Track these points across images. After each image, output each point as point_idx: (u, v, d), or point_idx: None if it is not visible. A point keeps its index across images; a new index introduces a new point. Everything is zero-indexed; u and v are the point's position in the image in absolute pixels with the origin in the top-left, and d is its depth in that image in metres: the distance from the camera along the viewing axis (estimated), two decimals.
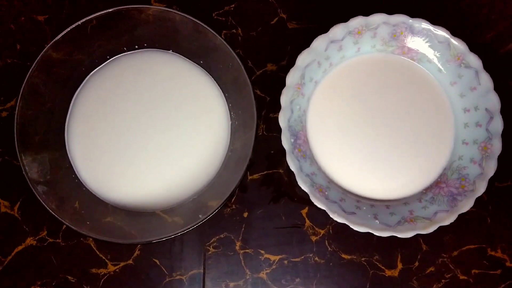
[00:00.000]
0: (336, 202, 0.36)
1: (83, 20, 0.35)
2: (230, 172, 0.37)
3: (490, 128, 0.36)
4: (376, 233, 0.34)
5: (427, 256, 0.40)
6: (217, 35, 0.35)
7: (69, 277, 0.39)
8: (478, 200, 0.35)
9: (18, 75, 0.40)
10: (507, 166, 0.38)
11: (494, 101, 0.36)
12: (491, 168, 0.35)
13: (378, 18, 0.37)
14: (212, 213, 0.34)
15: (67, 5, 0.42)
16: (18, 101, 0.34)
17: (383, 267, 0.40)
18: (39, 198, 0.33)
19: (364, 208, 0.36)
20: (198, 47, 0.38)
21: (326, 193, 0.36)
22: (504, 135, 0.36)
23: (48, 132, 0.37)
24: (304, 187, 0.34)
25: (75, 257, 0.39)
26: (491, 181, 0.36)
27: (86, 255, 0.39)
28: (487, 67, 0.37)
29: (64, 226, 0.33)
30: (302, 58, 0.36)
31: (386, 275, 0.40)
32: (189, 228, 0.33)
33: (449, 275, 0.40)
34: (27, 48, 0.42)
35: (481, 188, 0.35)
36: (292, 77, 0.36)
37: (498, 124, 0.36)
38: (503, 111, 0.36)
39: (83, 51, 0.37)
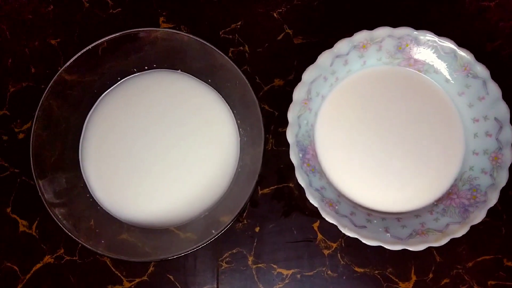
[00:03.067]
0: (347, 216, 0.36)
1: (95, 43, 0.36)
2: (240, 187, 0.37)
3: (500, 138, 0.36)
4: (388, 247, 0.34)
5: (441, 268, 0.40)
6: (223, 54, 0.35)
7: None
8: (492, 209, 0.35)
9: (33, 97, 0.41)
10: None
11: (503, 111, 0.36)
12: (503, 178, 0.35)
13: (382, 32, 0.37)
14: (225, 228, 0.34)
15: (78, 29, 0.44)
16: (34, 123, 0.35)
17: (397, 280, 0.40)
18: (55, 219, 0.34)
19: (375, 221, 0.36)
20: (205, 66, 0.38)
21: (336, 207, 0.36)
22: None
23: (63, 153, 0.38)
24: (314, 202, 0.34)
25: (91, 274, 0.40)
26: (505, 190, 0.35)
27: (102, 272, 0.40)
28: (495, 74, 0.36)
29: (80, 244, 0.34)
30: (308, 74, 0.36)
31: (400, 287, 0.40)
32: (203, 244, 0.34)
33: (464, 287, 0.39)
34: (41, 71, 0.43)
35: (493, 199, 0.35)
36: (298, 93, 0.36)
37: (508, 134, 0.35)
38: None
39: (94, 72, 0.38)
